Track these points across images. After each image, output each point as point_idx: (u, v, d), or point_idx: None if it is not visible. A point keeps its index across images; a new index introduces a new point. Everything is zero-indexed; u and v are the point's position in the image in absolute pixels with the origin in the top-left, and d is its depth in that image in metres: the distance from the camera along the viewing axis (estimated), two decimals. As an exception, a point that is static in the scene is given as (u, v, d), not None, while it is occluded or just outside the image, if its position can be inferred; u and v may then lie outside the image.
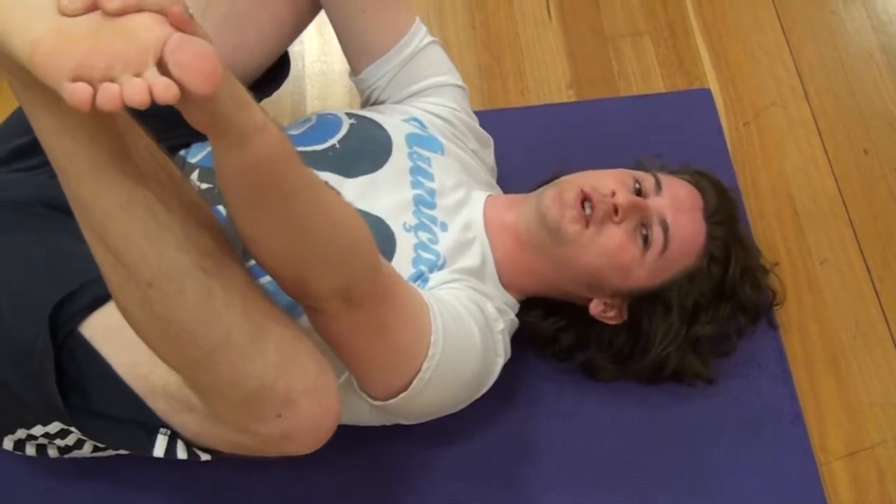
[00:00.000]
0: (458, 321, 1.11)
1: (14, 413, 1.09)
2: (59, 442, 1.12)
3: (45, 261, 1.07)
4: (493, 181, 1.39)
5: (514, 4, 1.74)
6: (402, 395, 1.08)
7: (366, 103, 1.37)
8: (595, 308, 1.25)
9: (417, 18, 1.33)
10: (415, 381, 1.07)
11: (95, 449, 1.14)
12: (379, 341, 1.03)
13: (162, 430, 1.01)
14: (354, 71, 1.35)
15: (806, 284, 1.41)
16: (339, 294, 0.95)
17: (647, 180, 1.23)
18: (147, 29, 0.69)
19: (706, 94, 1.61)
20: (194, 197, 0.89)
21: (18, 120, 1.23)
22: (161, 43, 0.68)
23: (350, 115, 1.27)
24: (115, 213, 0.82)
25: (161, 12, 0.70)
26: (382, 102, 1.34)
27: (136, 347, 0.95)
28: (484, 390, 1.20)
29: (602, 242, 1.19)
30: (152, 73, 0.68)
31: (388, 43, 1.30)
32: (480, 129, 1.39)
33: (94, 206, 0.82)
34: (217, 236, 0.89)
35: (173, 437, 1.02)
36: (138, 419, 1.01)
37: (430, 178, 1.25)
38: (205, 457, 1.03)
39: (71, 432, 1.08)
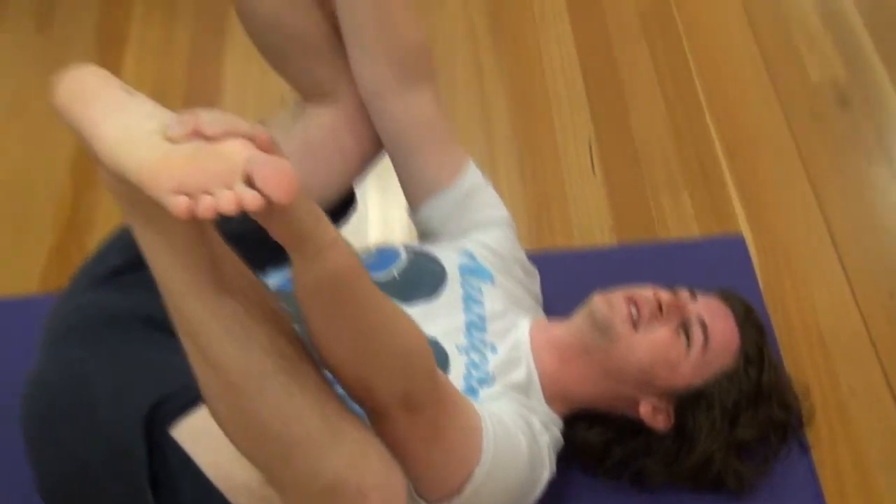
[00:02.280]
0: (507, 431, 1.22)
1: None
2: None
3: (142, 368, 1.20)
4: (539, 308, 1.51)
5: (560, 160, 1.90)
6: (454, 500, 1.18)
7: (422, 237, 1.51)
8: (645, 409, 1.35)
9: (470, 159, 1.48)
10: (467, 487, 1.17)
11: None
12: (435, 446, 1.13)
13: None
14: (412, 206, 1.49)
15: (836, 413, 1.50)
16: (400, 399, 1.06)
17: (683, 292, 1.37)
18: (237, 152, 0.82)
19: (739, 239, 1.73)
20: (276, 307, 1.02)
21: (115, 242, 1.38)
22: (248, 162, 0.82)
23: (407, 248, 1.42)
24: (206, 320, 0.95)
25: (249, 138, 0.84)
26: (438, 236, 1.48)
27: (222, 449, 1.06)
28: (532, 499, 1.29)
29: (651, 338, 1.32)
30: (241, 187, 0.81)
31: (444, 181, 1.46)
32: (527, 262, 1.53)
33: (189, 312, 0.95)
34: (296, 343, 1.01)
35: None
36: None
37: (481, 305, 1.38)
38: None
39: None
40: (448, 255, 1.42)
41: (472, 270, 1.41)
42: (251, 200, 0.80)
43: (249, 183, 0.81)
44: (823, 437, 1.47)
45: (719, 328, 1.35)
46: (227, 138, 0.83)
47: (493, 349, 1.34)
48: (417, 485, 1.19)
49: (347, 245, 0.95)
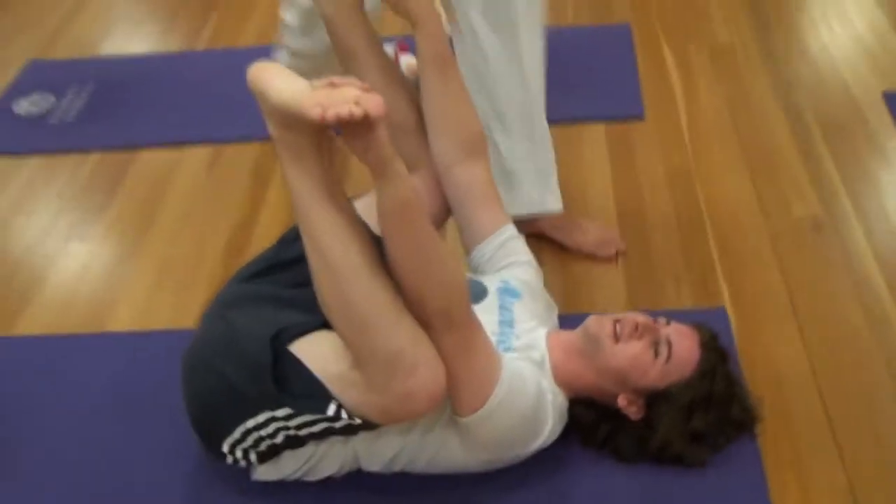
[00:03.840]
0: (520, 375, 1.72)
1: (236, 409, 1.72)
2: (263, 437, 1.72)
3: (268, 317, 1.75)
4: (556, 327, 2.02)
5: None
6: (478, 413, 1.68)
7: (473, 271, 2.05)
8: (622, 401, 1.82)
9: (510, 217, 2.05)
10: (488, 402, 1.67)
11: (288, 443, 1.73)
12: (464, 363, 1.63)
13: (334, 401, 1.64)
14: (466, 250, 2.04)
15: (779, 418, 1.96)
16: (442, 313, 1.59)
17: (661, 319, 1.87)
18: (351, 91, 1.43)
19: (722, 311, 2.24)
20: (365, 230, 1.61)
21: (253, 261, 1.96)
22: (357, 95, 1.42)
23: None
24: (322, 223, 1.55)
25: (359, 87, 1.45)
26: (484, 272, 2.03)
27: (324, 355, 1.64)
28: (537, 443, 1.78)
29: (627, 350, 1.80)
30: (353, 106, 1.40)
31: (489, 232, 1.99)
32: (549, 297, 2.05)
33: (313, 218, 1.55)
34: (376, 254, 1.59)
35: (339, 406, 1.64)
36: (321, 394, 1.64)
37: (511, 313, 1.90)
38: (357, 421, 1.64)
39: (272, 422, 1.70)
40: (490, 280, 1.97)
41: (507, 291, 1.94)
42: (357, 110, 1.40)
43: (357, 106, 1.41)
44: (768, 430, 1.93)
45: (683, 347, 1.82)
46: (345, 85, 1.46)
47: (518, 338, 1.87)
48: (452, 400, 1.70)
49: (413, 183, 1.54)
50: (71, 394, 2.18)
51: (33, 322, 2.41)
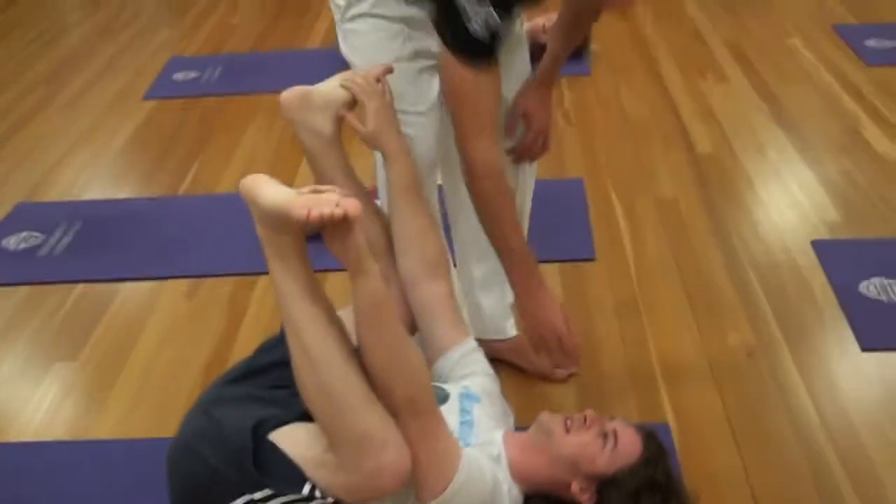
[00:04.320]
0: (478, 463, 1.88)
1: (218, 493, 1.87)
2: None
3: (249, 411, 1.93)
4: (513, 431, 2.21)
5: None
6: (440, 498, 1.83)
7: (436, 380, 2.24)
8: (575, 488, 1.96)
9: (470, 333, 2.26)
10: (449, 487, 1.83)
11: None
12: (425, 448, 1.80)
13: (309, 481, 1.80)
14: (429, 362, 2.23)
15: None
16: (406, 401, 1.79)
17: (606, 416, 2.06)
18: (333, 195, 1.67)
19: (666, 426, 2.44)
20: (341, 324, 1.81)
21: (233, 369, 2.13)
22: (338, 198, 1.65)
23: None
24: (303, 315, 1.75)
25: (339, 192, 1.69)
26: (447, 381, 2.22)
27: (299, 442, 1.82)
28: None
29: (578, 439, 1.97)
30: (333, 207, 1.63)
31: (451, 345, 2.18)
32: (507, 405, 2.23)
33: (294, 312, 1.75)
34: (350, 344, 1.79)
35: (313, 487, 1.81)
36: (296, 476, 1.81)
37: (471, 415, 2.07)
38: (329, 501, 1.79)
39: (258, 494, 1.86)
40: (452, 387, 2.15)
41: (467, 396, 2.12)
42: (338, 210, 1.62)
43: (337, 208, 1.64)
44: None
45: (627, 437, 1.99)
46: (327, 191, 1.69)
47: (477, 437, 2.05)
48: (415, 484, 1.86)
49: (383, 281, 1.76)
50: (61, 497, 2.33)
51: (24, 430, 2.58)
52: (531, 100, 2.42)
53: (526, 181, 2.56)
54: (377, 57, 2.20)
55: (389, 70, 2.14)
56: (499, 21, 1.99)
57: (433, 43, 2.14)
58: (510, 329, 2.67)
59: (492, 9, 1.97)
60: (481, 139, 2.13)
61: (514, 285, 2.31)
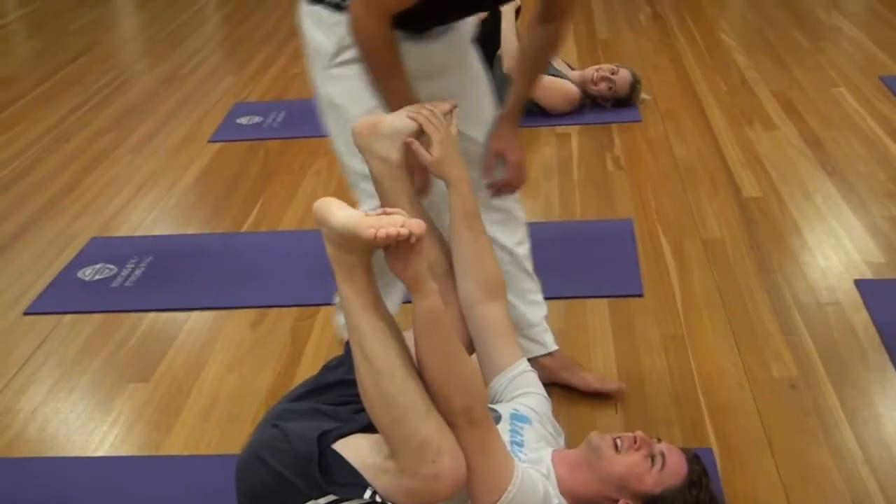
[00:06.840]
0: (530, 476, 1.99)
1: (285, 499, 2.02)
2: None
3: (314, 423, 2.07)
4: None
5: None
6: (490, 511, 1.97)
7: (490, 401, 2.36)
8: None
9: (523, 354, 2.38)
10: (503, 496, 1.93)
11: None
12: (482, 458, 1.92)
13: (370, 487, 1.93)
14: (486, 381, 2.37)
15: None
16: (464, 411, 1.91)
17: (654, 438, 2.17)
18: (399, 217, 1.81)
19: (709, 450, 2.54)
20: (401, 335, 1.94)
21: (300, 385, 2.28)
22: (403, 219, 1.80)
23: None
24: (366, 328, 1.89)
25: (404, 214, 1.82)
26: (500, 401, 2.34)
27: (361, 450, 1.95)
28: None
29: (627, 459, 2.08)
30: (400, 228, 1.78)
31: (505, 365, 2.31)
32: (557, 424, 2.33)
33: (359, 323, 1.89)
34: (410, 356, 1.92)
35: (374, 492, 1.93)
36: (358, 482, 1.94)
37: (521, 436, 2.18)
38: (389, 506, 1.93)
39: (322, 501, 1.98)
40: (503, 408, 2.28)
41: (517, 417, 2.24)
42: (403, 230, 1.77)
43: (402, 228, 1.78)
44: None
45: (674, 459, 2.11)
46: (394, 213, 1.83)
47: (526, 455, 2.16)
48: (469, 492, 1.99)
49: (441, 301, 1.89)
50: None
51: (99, 446, 2.74)
52: (503, 138, 2.60)
53: (517, 217, 2.74)
54: (365, 100, 2.38)
55: (455, 105, 2.30)
56: None
57: (420, 87, 2.34)
58: (551, 343, 2.79)
59: None
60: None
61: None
